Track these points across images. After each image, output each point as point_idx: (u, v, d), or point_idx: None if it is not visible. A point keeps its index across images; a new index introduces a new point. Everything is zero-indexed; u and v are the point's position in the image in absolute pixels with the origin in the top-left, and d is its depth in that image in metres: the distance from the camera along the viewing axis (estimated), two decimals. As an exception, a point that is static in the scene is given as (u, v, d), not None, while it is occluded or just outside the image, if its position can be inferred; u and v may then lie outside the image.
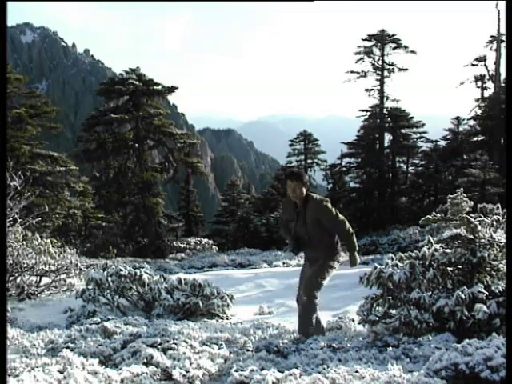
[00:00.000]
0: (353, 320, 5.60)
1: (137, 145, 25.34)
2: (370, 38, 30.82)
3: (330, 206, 4.75)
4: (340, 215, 4.82)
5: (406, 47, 30.70)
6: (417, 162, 30.79)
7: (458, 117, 29.40)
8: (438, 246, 4.82)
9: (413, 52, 30.87)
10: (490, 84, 30.87)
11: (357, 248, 4.88)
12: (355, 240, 4.88)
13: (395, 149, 30.60)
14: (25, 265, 8.26)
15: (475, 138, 28.77)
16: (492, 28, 29.56)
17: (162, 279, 7.38)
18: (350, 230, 4.82)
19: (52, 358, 3.89)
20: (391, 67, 30.93)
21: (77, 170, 22.80)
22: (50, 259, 8.70)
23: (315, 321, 4.87)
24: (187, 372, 3.52)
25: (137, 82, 25.10)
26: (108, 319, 5.74)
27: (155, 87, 25.81)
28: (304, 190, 4.76)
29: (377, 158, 30.21)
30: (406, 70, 31.07)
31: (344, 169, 32.03)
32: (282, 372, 3.20)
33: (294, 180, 4.75)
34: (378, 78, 31.02)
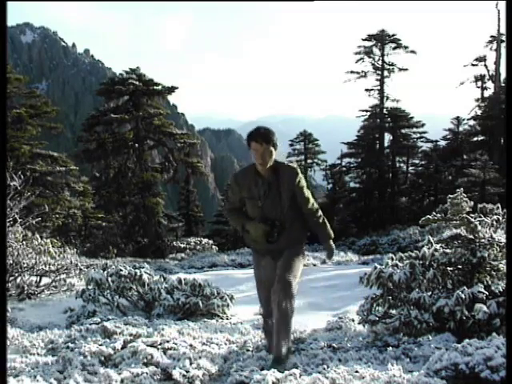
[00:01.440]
0: (353, 320, 5.60)
1: (137, 145, 25.34)
2: (369, 38, 30.85)
3: (302, 178, 3.77)
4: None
5: (406, 47, 30.74)
6: (417, 162, 30.81)
7: (458, 117, 29.42)
8: (437, 246, 4.82)
9: (413, 52, 30.89)
10: (490, 84, 30.91)
11: (332, 235, 3.90)
12: (328, 225, 3.91)
13: (395, 149, 30.60)
14: (25, 265, 8.25)
15: (475, 138, 28.79)
16: (492, 28, 29.61)
17: (162, 279, 7.38)
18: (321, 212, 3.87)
19: (52, 358, 3.88)
20: (391, 67, 30.96)
21: (77, 170, 22.81)
22: (50, 259, 8.70)
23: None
24: (187, 372, 3.52)
25: (137, 82, 25.09)
26: (108, 319, 5.74)
27: (155, 87, 25.81)
28: (273, 155, 3.64)
29: (377, 158, 30.21)
30: (406, 69, 31.10)
31: (344, 169, 32.04)
32: (282, 372, 3.20)
33: (263, 142, 3.55)
34: (378, 78, 31.04)
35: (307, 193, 3.76)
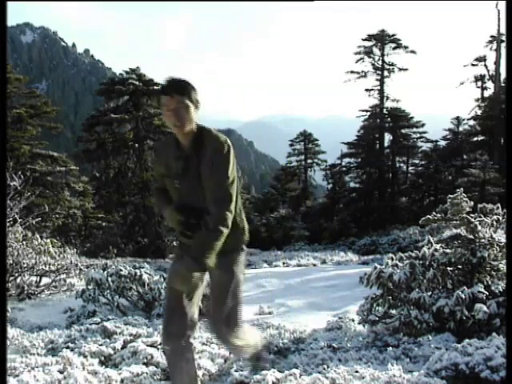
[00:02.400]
0: (353, 320, 5.60)
1: (137, 145, 25.34)
2: (369, 37, 30.86)
3: (233, 156, 2.58)
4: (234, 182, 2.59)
5: (406, 47, 30.76)
6: (417, 161, 30.82)
7: (458, 117, 29.43)
8: (438, 246, 4.83)
9: (413, 52, 30.91)
10: (490, 84, 30.91)
11: (207, 256, 2.43)
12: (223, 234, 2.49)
13: (395, 149, 30.61)
14: (25, 265, 8.25)
15: (475, 138, 28.81)
16: (492, 28, 29.63)
17: (162, 279, 7.38)
18: (230, 216, 2.52)
19: (52, 358, 3.88)
20: (391, 67, 30.97)
21: (77, 170, 22.83)
22: (50, 259, 8.70)
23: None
24: (187, 372, 3.52)
25: (137, 82, 25.10)
26: (108, 319, 5.74)
27: (155, 87, 25.81)
28: (194, 115, 2.58)
29: (377, 158, 30.22)
30: (406, 69, 31.11)
31: (344, 169, 32.04)
32: (282, 372, 3.20)
33: (176, 94, 2.52)
34: (378, 78, 31.05)
35: (228, 182, 2.51)
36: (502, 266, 4.49)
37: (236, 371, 3.50)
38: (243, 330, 2.75)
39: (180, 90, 2.54)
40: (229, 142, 2.57)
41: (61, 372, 3.51)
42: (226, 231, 2.48)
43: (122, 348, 4.11)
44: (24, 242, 8.54)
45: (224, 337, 2.72)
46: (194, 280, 2.51)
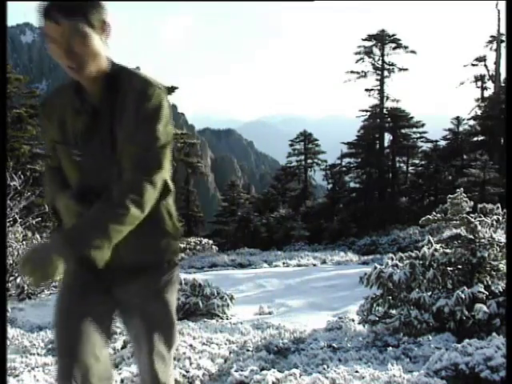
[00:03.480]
0: (353, 320, 5.60)
1: (137, 145, 25.38)
2: (370, 38, 30.86)
3: (167, 107, 1.66)
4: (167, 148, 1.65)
5: (406, 47, 30.75)
6: (417, 161, 30.81)
7: (458, 117, 29.42)
8: (438, 246, 4.83)
9: (413, 52, 30.91)
10: (490, 84, 30.91)
11: (113, 234, 1.48)
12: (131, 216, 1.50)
13: (395, 149, 30.62)
14: (25, 265, 8.25)
15: (475, 138, 28.80)
16: (492, 28, 29.65)
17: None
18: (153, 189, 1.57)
19: (52, 358, 3.88)
20: (391, 67, 30.96)
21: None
22: (50, 259, 8.69)
23: None
24: (187, 372, 3.52)
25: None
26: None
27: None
28: (99, 47, 1.60)
29: (377, 158, 30.22)
30: (406, 69, 31.11)
31: (344, 169, 32.04)
32: (282, 372, 3.20)
33: (62, 17, 1.53)
34: (378, 78, 31.04)
35: (158, 145, 1.61)
36: (502, 266, 4.49)
37: (236, 371, 3.50)
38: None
39: (70, 9, 1.53)
40: (161, 85, 1.67)
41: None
42: (137, 214, 1.52)
43: (121, 348, 4.11)
44: (24, 242, 8.54)
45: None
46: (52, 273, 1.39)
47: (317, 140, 34.16)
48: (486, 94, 31.06)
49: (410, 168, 31.11)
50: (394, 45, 30.76)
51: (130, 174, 1.58)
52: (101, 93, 1.66)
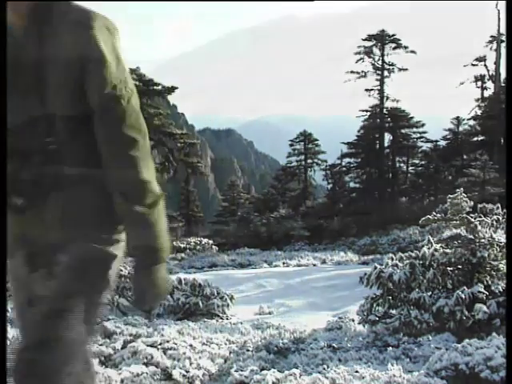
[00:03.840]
0: (353, 320, 5.60)
1: (137, 145, 25.37)
2: (369, 37, 30.87)
3: (118, 38, 1.32)
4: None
5: (405, 47, 30.76)
6: (417, 161, 30.82)
7: (457, 117, 29.43)
8: (438, 246, 4.83)
9: (413, 52, 30.92)
10: (490, 84, 30.92)
11: (166, 248, 1.46)
12: (162, 214, 1.52)
13: (395, 149, 30.63)
14: (25, 265, 8.25)
15: (475, 138, 28.80)
16: (492, 28, 29.65)
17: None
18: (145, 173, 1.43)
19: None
20: (391, 67, 30.97)
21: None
22: (50, 259, 8.70)
23: None
24: (187, 372, 3.52)
25: (136, 82, 25.11)
26: (108, 319, 5.74)
27: (155, 87, 25.82)
28: None
29: (377, 158, 30.24)
30: (406, 70, 31.12)
31: (344, 169, 32.04)
32: (282, 372, 3.20)
33: None
34: (378, 78, 31.05)
35: (114, 93, 1.27)
36: (502, 266, 4.50)
37: (236, 371, 3.50)
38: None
39: None
40: (102, 15, 1.35)
41: (61, 372, 3.50)
42: (147, 180, 1.45)
43: (121, 348, 4.10)
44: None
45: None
46: None
47: (317, 140, 34.15)
48: (486, 94, 31.10)
49: (410, 168, 31.12)
50: (393, 45, 30.78)
51: (106, 152, 1.33)
52: (23, 28, 1.26)
